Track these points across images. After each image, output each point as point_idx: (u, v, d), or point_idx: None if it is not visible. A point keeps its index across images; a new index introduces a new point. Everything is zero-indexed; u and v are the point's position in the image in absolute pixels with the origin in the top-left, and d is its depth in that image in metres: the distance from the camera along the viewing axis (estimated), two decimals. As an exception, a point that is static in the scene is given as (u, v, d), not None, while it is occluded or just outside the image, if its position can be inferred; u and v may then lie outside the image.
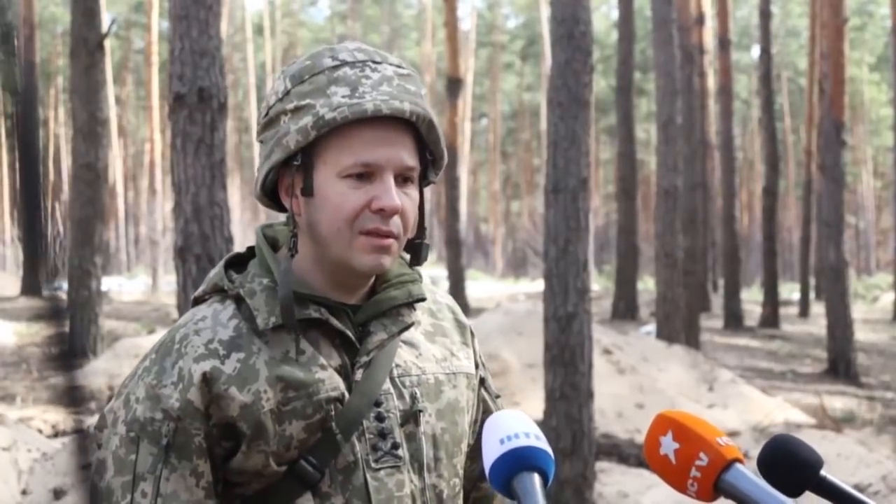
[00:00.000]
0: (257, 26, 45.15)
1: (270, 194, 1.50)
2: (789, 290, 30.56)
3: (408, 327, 1.52)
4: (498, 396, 1.67)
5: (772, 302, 20.87)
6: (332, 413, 1.42)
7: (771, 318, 20.69)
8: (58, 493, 6.46)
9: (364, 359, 1.46)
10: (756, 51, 37.37)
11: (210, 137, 5.88)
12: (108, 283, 19.35)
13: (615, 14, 28.71)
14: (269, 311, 1.43)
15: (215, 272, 1.51)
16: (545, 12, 33.40)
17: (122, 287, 25.43)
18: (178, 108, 5.87)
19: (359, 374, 1.46)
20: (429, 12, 45.58)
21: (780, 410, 10.56)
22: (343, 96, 1.40)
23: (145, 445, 1.38)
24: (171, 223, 8.23)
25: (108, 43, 11.94)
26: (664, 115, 13.93)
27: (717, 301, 23.70)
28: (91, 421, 8.38)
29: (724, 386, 11.18)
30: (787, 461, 1.20)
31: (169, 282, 22.24)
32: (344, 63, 1.43)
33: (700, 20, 18.48)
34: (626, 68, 19.13)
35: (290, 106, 1.43)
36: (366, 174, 1.42)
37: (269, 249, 1.50)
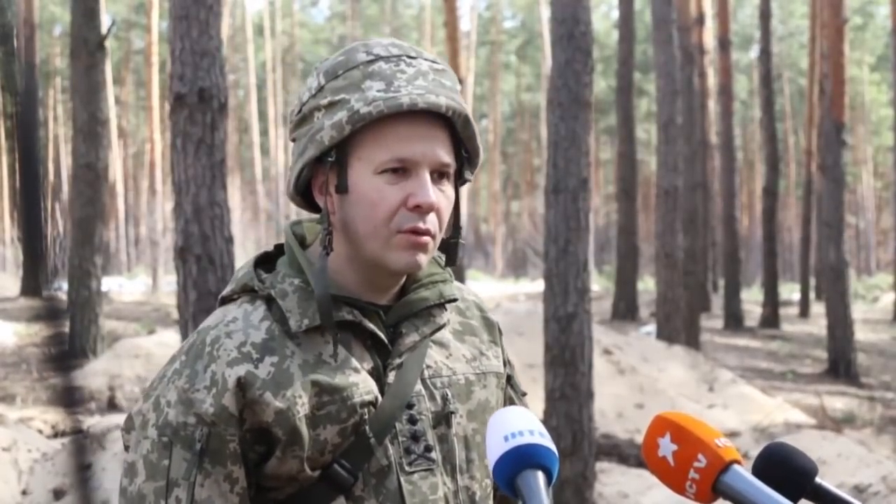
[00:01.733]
0: (257, 26, 45.15)
1: (303, 193, 1.48)
2: (789, 290, 30.56)
3: (439, 328, 1.50)
4: (524, 394, 1.66)
5: (772, 302, 20.86)
6: (366, 416, 1.40)
7: (771, 318, 20.69)
8: (58, 493, 6.46)
9: (396, 361, 1.44)
10: (756, 51, 37.37)
11: (210, 137, 5.88)
12: (108, 283, 19.33)
13: (615, 14, 28.72)
14: (302, 313, 1.41)
15: (245, 271, 1.48)
16: (545, 12, 33.40)
17: (122, 287, 25.42)
18: (178, 108, 5.87)
19: (391, 377, 1.44)
20: (428, 12, 45.59)
21: (781, 411, 10.56)
22: (378, 90, 1.38)
23: (178, 450, 1.36)
24: (172, 223, 8.25)
25: (108, 43, 11.94)
26: (664, 115, 13.94)
27: (717, 301, 23.70)
28: (91, 421, 8.38)
29: (725, 386, 11.18)
30: (781, 469, 1.20)
31: (169, 282, 22.23)
32: (378, 58, 1.41)
33: (700, 20, 18.47)
34: (627, 68, 19.12)
35: (324, 101, 1.41)
36: (401, 170, 1.39)
37: (299, 248, 1.47)
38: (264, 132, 43.92)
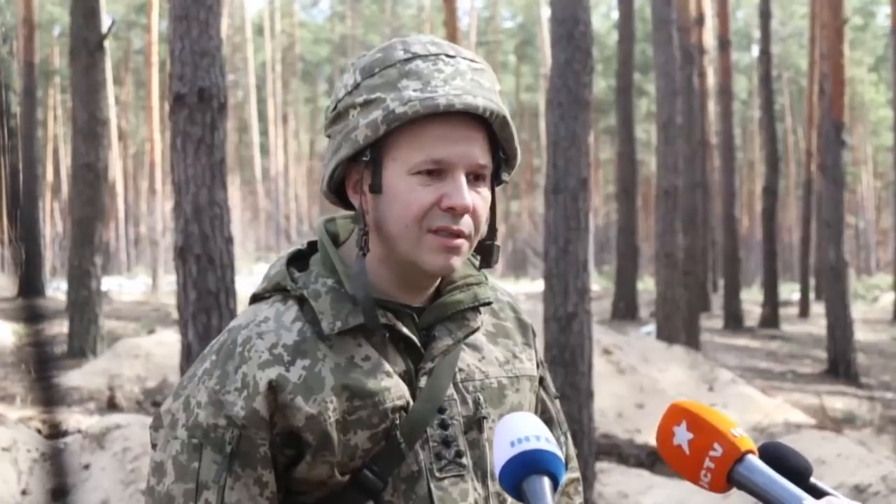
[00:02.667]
0: (257, 26, 45.15)
1: (337, 191, 1.46)
2: (789, 290, 30.55)
3: (473, 332, 1.47)
4: (557, 396, 1.64)
5: (772, 302, 20.86)
6: (397, 422, 1.38)
7: (771, 318, 20.69)
8: (57, 493, 6.46)
9: (428, 365, 1.42)
10: (756, 51, 37.39)
11: (210, 137, 5.89)
12: (108, 283, 19.33)
13: (615, 14, 28.72)
14: (335, 315, 1.38)
15: (277, 270, 1.46)
16: (544, 12, 33.41)
17: (122, 287, 25.43)
18: (178, 108, 5.87)
19: (423, 381, 1.41)
20: (427, 12, 45.60)
21: (780, 411, 10.56)
22: (415, 90, 1.35)
23: (209, 453, 1.34)
24: (171, 223, 8.24)
25: (107, 43, 11.93)
26: (664, 115, 13.93)
27: (717, 301, 23.70)
28: (89, 422, 8.38)
29: (724, 386, 11.18)
30: (776, 469, 1.19)
31: (169, 282, 22.23)
32: (416, 56, 1.38)
33: (700, 20, 18.48)
34: (626, 69, 19.12)
35: (360, 100, 1.38)
36: (436, 171, 1.37)
37: (333, 247, 1.45)
38: (264, 132, 43.92)
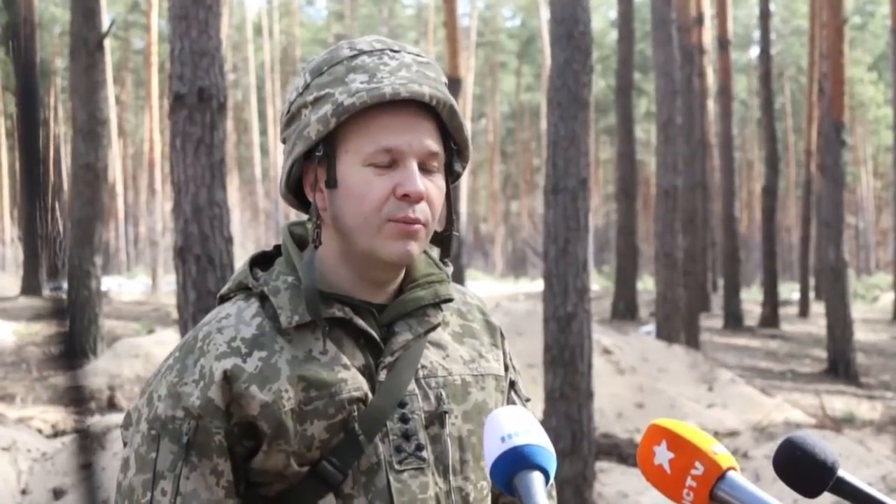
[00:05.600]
0: (257, 26, 45.14)
1: (296, 192, 1.49)
2: (789, 290, 30.53)
3: (434, 328, 1.49)
4: (528, 400, 1.64)
5: (771, 302, 20.86)
6: (355, 413, 1.41)
7: (770, 317, 20.68)
8: (58, 493, 6.47)
9: (388, 359, 1.44)
10: (756, 51, 37.38)
11: (210, 137, 5.89)
12: (108, 283, 19.32)
13: (614, 14, 28.71)
14: (293, 310, 1.42)
15: (240, 270, 1.50)
16: (545, 12, 33.39)
17: (122, 287, 25.39)
18: (177, 108, 5.87)
19: (382, 375, 1.43)
20: (428, 11, 45.59)
21: (780, 410, 10.56)
22: (361, 82, 1.39)
23: (166, 443, 1.37)
24: (171, 223, 8.25)
25: (107, 43, 11.92)
26: (664, 115, 13.93)
27: (716, 301, 23.68)
28: (91, 421, 8.38)
29: (724, 386, 11.19)
30: (803, 461, 1.19)
31: (169, 282, 22.22)
32: (362, 52, 1.43)
33: (699, 20, 18.46)
34: (626, 68, 19.12)
35: (310, 98, 1.42)
36: (389, 161, 1.40)
37: (294, 247, 1.48)
38: (263, 132, 43.93)
